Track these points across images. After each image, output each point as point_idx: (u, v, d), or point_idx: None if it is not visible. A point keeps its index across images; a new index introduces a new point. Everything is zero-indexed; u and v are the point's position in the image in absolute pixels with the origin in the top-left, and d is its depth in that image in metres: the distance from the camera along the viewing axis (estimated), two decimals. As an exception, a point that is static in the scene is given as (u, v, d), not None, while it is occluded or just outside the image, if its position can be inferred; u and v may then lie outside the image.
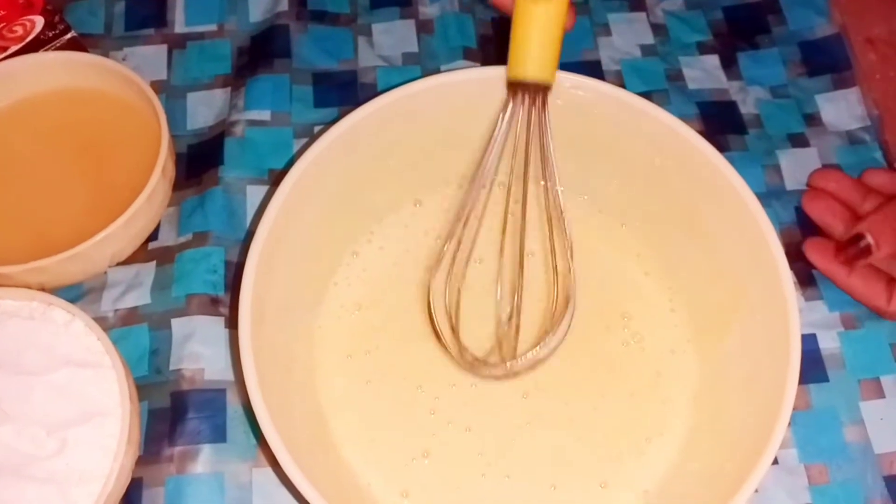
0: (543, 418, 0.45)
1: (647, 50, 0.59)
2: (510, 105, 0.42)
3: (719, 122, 0.56)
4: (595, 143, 0.47)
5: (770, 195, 0.53)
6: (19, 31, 0.52)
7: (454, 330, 0.44)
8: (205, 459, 0.45)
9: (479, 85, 0.45)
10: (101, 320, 0.47)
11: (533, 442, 0.45)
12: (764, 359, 0.41)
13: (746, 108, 0.57)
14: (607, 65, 0.58)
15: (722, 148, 0.44)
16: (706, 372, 0.46)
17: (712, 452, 0.43)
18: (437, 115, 0.46)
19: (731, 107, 0.57)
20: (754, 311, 0.43)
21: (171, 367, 0.47)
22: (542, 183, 0.43)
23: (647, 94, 0.48)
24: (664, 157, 0.46)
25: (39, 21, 0.52)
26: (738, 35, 0.60)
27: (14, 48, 0.52)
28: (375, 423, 0.45)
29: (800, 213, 0.53)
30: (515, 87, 0.42)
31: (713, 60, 0.59)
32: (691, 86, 0.58)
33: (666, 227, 0.48)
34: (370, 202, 0.49)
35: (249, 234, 0.50)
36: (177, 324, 0.48)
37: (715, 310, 0.46)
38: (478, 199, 0.44)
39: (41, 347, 0.42)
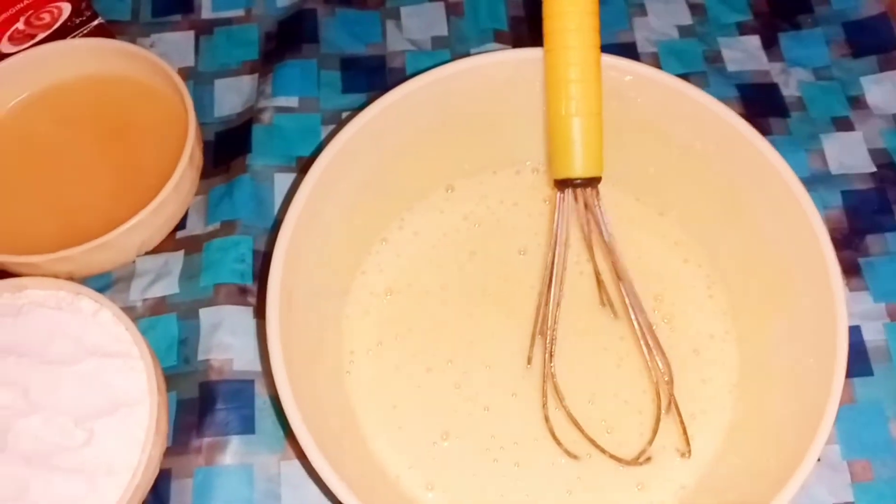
0: (570, 400, 0.43)
1: (684, 31, 0.57)
2: (560, 203, 0.41)
3: (760, 105, 0.54)
4: (631, 128, 0.45)
5: (814, 180, 0.51)
6: (46, 18, 0.52)
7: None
8: (233, 451, 0.44)
9: (511, 67, 0.44)
10: (129, 310, 0.47)
11: (556, 427, 0.43)
12: (808, 351, 0.40)
13: (789, 91, 0.55)
14: (643, 46, 0.57)
15: (764, 132, 0.43)
16: (747, 361, 0.45)
17: (753, 447, 0.41)
18: (468, 99, 0.45)
19: (772, 89, 0.55)
20: (798, 300, 0.41)
21: (200, 358, 0.46)
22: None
23: (684, 77, 0.46)
24: (704, 142, 0.44)
25: (67, 8, 0.52)
26: (779, 15, 0.58)
27: (41, 35, 0.52)
28: (402, 405, 0.44)
29: (845, 198, 0.51)
30: (562, 184, 0.41)
31: (754, 41, 0.57)
32: (731, 67, 0.56)
33: (706, 213, 0.47)
34: (400, 188, 0.48)
35: (277, 223, 0.49)
36: (205, 313, 0.47)
37: (756, 298, 0.45)
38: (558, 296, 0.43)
39: (69, 337, 0.42)
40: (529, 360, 0.45)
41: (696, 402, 0.44)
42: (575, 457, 0.43)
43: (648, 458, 0.43)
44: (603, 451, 0.42)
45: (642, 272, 0.47)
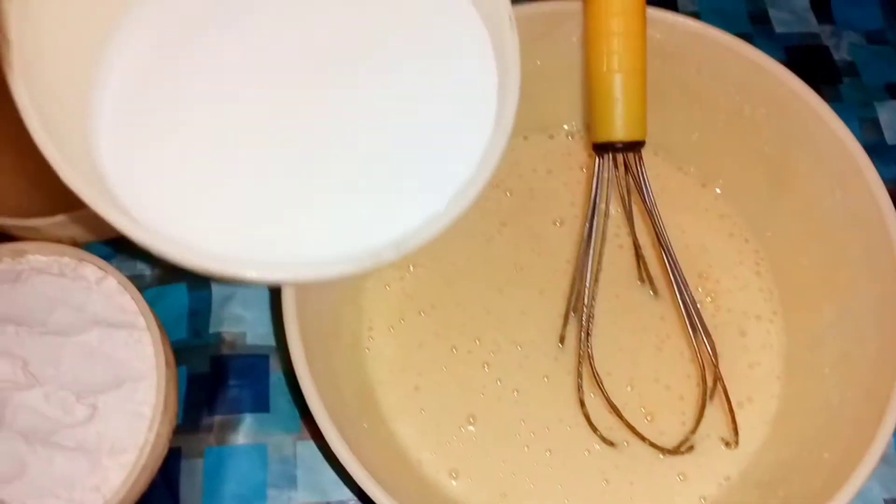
0: (607, 384, 0.40)
1: (729, -10, 0.54)
2: (598, 170, 0.38)
3: (809, 70, 0.50)
4: (673, 91, 0.42)
5: (868, 151, 0.47)
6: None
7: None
8: (246, 430, 0.42)
9: (546, 21, 0.41)
10: (137, 279, 0.45)
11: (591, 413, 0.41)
12: (868, 335, 0.37)
13: (840, 55, 0.53)
14: (684, 6, 0.54)
15: (813, 98, 0.40)
16: (796, 345, 0.42)
17: (803, 438, 0.38)
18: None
19: (822, 53, 0.53)
20: (857, 279, 0.38)
21: (211, 330, 0.44)
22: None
23: (729, 39, 0.44)
24: (755, 105, 0.41)
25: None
26: (830, -27, 0.55)
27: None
28: (425, 386, 0.42)
29: (905, 170, 0.48)
30: (602, 149, 0.38)
31: (802, 2, 0.54)
32: (779, 29, 0.53)
33: (754, 184, 0.44)
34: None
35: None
36: (217, 284, 0.45)
37: (808, 278, 0.42)
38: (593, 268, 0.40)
39: (71, 306, 0.39)
40: (562, 340, 0.42)
41: (741, 388, 0.41)
42: (612, 444, 0.40)
43: (691, 447, 0.40)
44: (643, 438, 0.39)
45: (685, 247, 0.44)
